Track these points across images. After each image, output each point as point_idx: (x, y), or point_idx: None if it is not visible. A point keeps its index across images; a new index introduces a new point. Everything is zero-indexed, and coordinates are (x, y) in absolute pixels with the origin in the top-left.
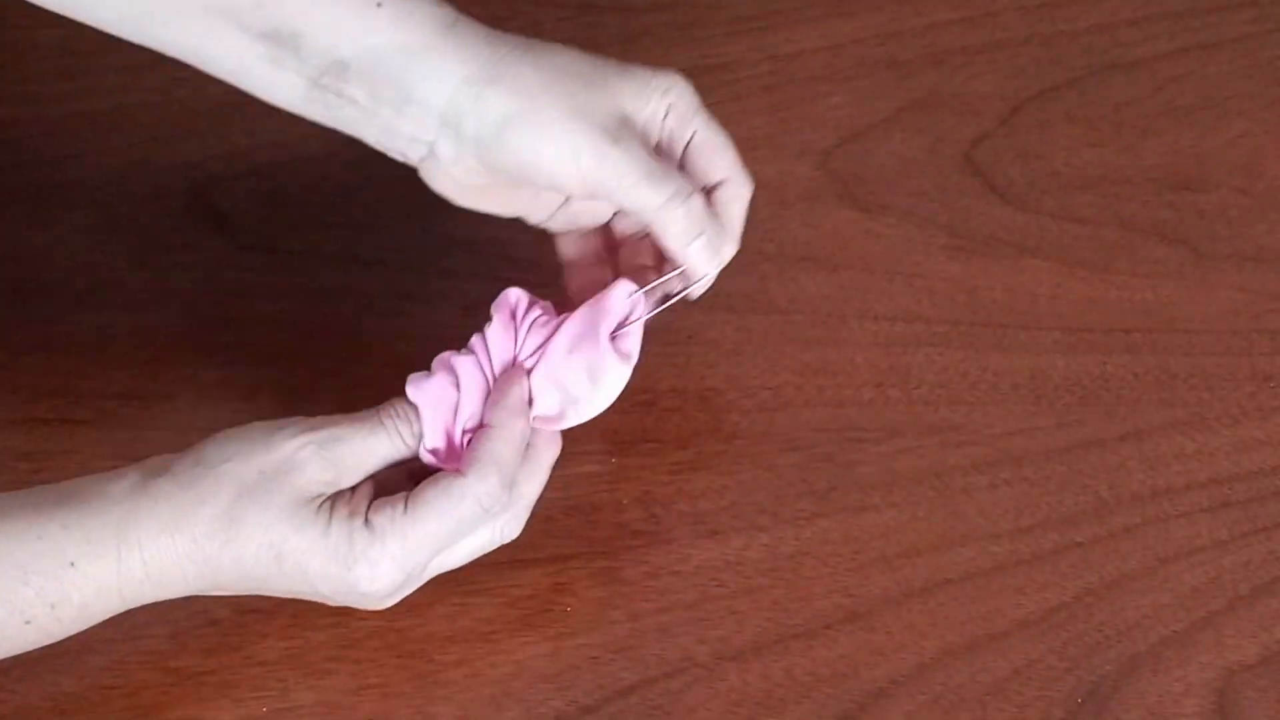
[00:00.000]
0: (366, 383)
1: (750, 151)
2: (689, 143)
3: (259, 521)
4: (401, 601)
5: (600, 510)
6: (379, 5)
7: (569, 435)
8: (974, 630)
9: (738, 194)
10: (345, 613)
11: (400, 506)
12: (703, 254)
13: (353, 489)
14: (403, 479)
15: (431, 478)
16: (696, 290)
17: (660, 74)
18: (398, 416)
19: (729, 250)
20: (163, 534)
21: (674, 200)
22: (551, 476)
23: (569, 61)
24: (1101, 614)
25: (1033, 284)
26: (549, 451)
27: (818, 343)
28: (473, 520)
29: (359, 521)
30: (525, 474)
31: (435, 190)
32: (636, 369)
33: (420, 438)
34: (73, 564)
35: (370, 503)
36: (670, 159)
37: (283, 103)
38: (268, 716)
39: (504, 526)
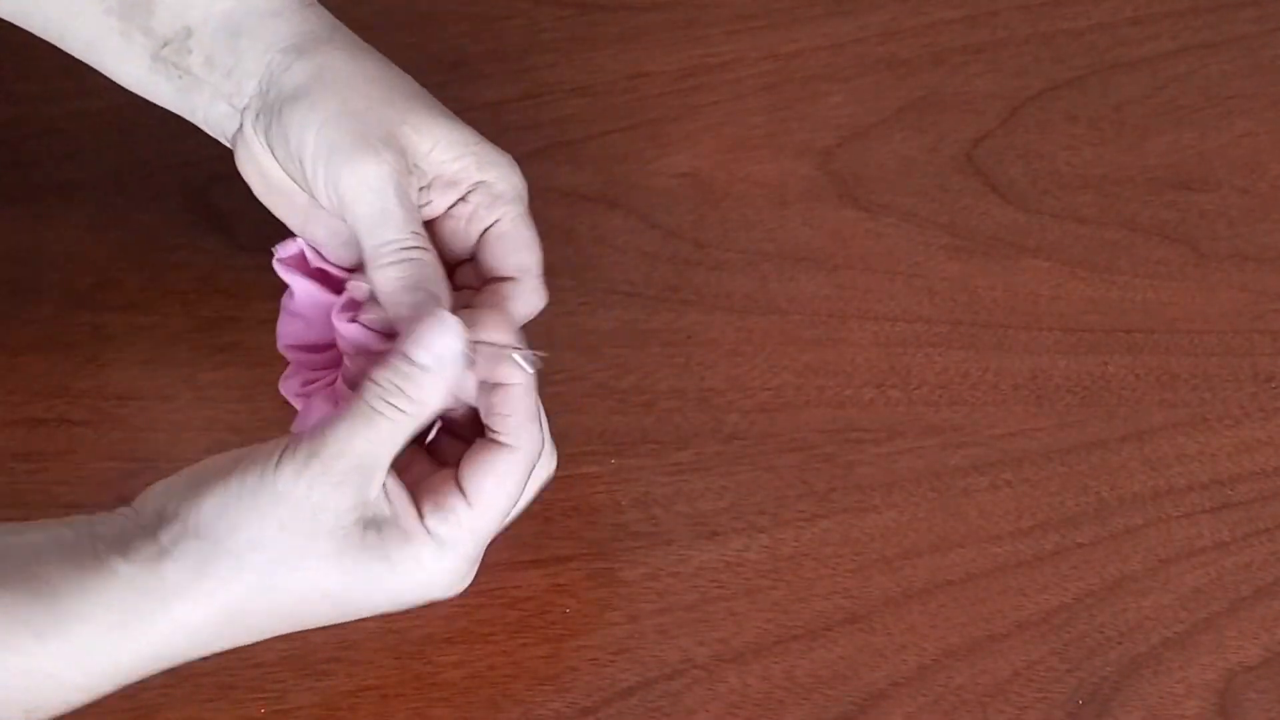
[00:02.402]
0: None
1: (750, 151)
2: (490, 228)
3: (304, 580)
4: None
5: (599, 511)
6: None
7: (569, 436)
8: (974, 631)
9: (523, 297)
10: None
11: (459, 508)
12: (421, 326)
13: (386, 495)
14: (417, 452)
15: (478, 460)
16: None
17: (492, 151)
18: (385, 392)
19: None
20: (176, 617)
21: (390, 249)
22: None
23: (392, 75)
24: (1102, 615)
25: (1033, 284)
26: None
27: (818, 343)
28: (525, 479)
29: (421, 540)
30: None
31: (244, 178)
32: (634, 368)
33: (417, 407)
34: (52, 677)
35: (413, 507)
36: (455, 236)
37: (128, 79)
38: (266, 718)
39: (543, 475)
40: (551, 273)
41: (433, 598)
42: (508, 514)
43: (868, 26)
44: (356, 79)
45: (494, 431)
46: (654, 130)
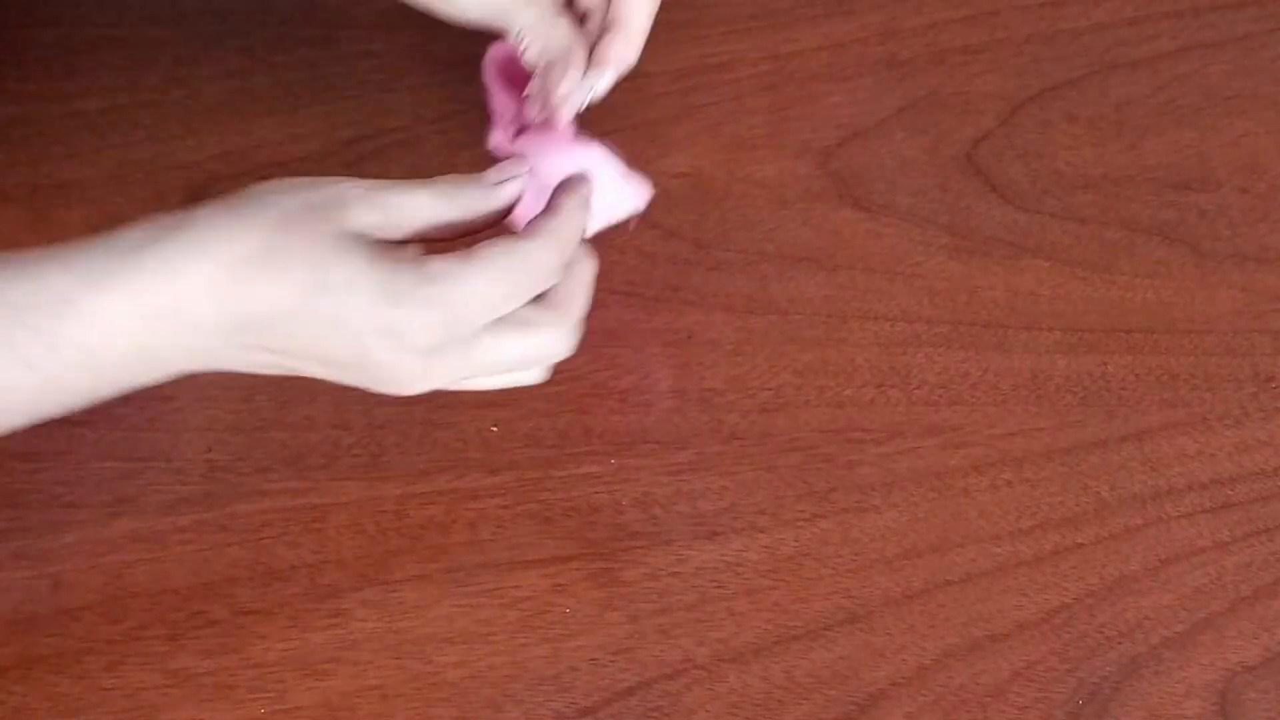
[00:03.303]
0: None
1: (750, 151)
2: None
3: (302, 247)
4: (400, 602)
5: (599, 511)
6: None
7: (569, 436)
8: (974, 631)
9: (614, 45)
10: (344, 612)
11: (455, 256)
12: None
13: (402, 242)
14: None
15: (490, 239)
16: (593, 89)
17: None
18: (447, 180)
19: (619, 52)
20: (192, 253)
21: (525, 33)
22: (550, 477)
23: None
24: (1102, 615)
25: (1033, 284)
26: (589, 264)
27: (818, 343)
28: (527, 287)
29: (408, 263)
30: (571, 288)
31: None
32: (635, 368)
33: (467, 200)
34: (69, 300)
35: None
36: None
37: None
38: (267, 718)
39: (555, 339)
40: None
41: (399, 331)
42: (494, 300)
43: (867, 27)
44: None
45: None
46: (654, 130)
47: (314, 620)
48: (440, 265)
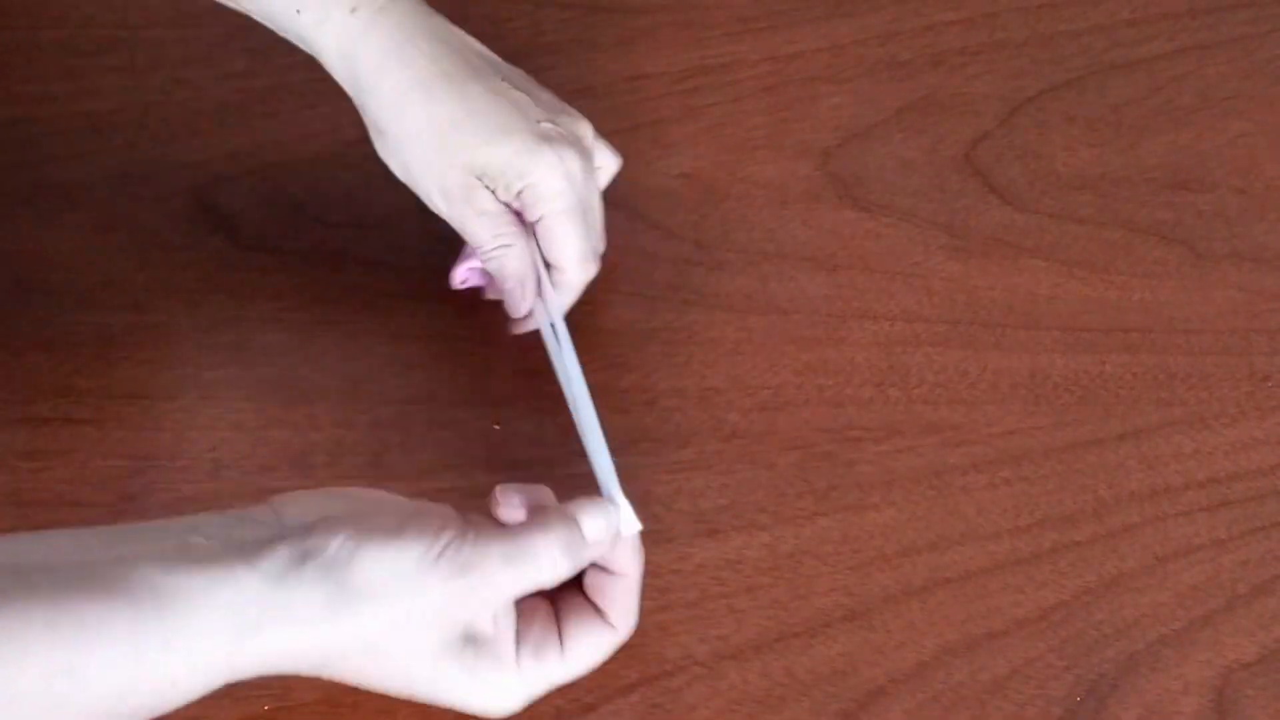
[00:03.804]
0: (367, 379)
1: (750, 152)
2: (537, 222)
3: (399, 662)
4: None
5: None
6: None
7: (570, 434)
8: (973, 629)
9: (560, 286)
10: None
11: (552, 659)
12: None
13: (494, 620)
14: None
15: (583, 623)
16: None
17: (531, 156)
18: (548, 544)
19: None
20: (287, 639)
21: (485, 249)
22: (552, 475)
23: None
24: (1100, 613)
25: (1032, 284)
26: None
27: (818, 343)
28: (613, 652)
29: (510, 670)
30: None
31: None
32: (635, 367)
33: (567, 569)
34: (174, 684)
35: (514, 638)
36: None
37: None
38: (270, 715)
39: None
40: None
41: (488, 713)
42: (582, 674)
43: (867, 28)
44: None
45: (599, 610)
46: (655, 131)
47: None
48: (536, 666)
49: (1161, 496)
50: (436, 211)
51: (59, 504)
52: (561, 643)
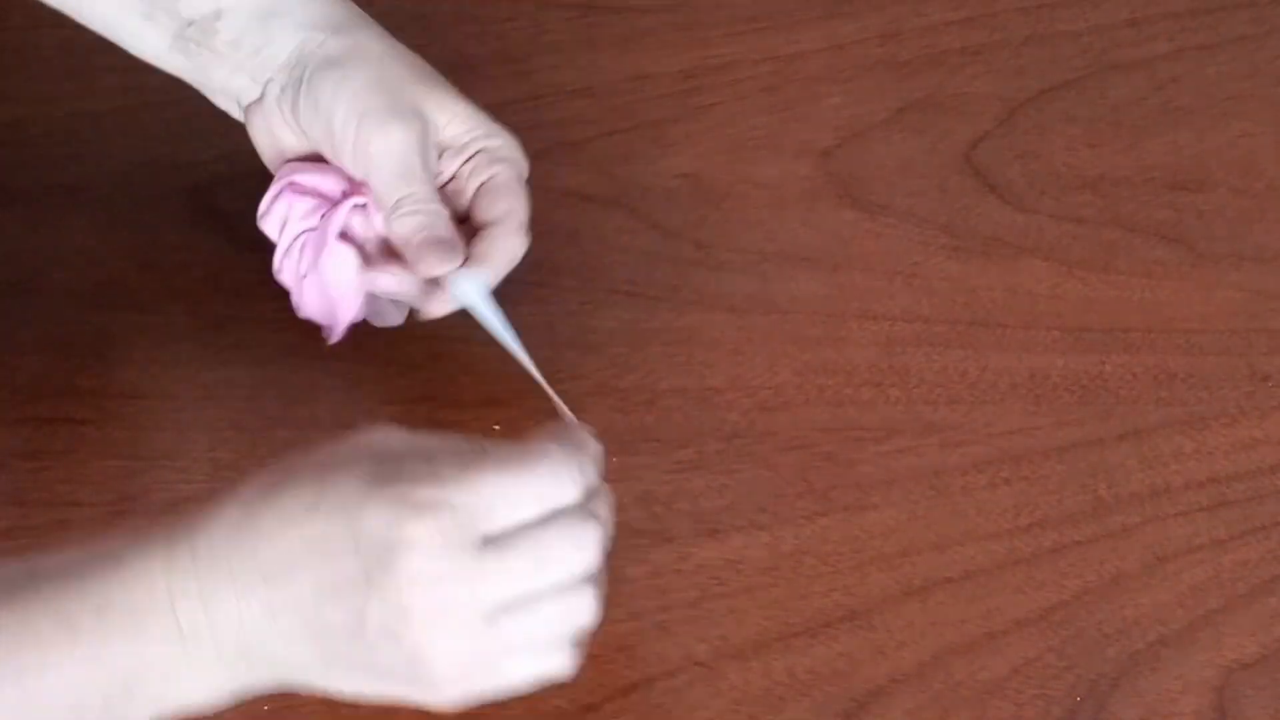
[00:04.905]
0: (368, 380)
1: (750, 152)
2: (485, 182)
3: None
4: None
5: None
6: None
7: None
8: (973, 629)
9: (505, 239)
10: None
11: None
12: (424, 258)
13: None
14: None
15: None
16: (431, 307)
17: (499, 127)
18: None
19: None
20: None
21: (410, 201)
22: None
23: (416, 59)
24: (1100, 613)
25: (1032, 284)
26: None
27: (818, 343)
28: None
29: None
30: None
31: (253, 141)
32: (635, 367)
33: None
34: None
35: None
36: (456, 196)
37: (148, 54)
38: (269, 714)
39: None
40: (553, 272)
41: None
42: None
43: (867, 28)
44: (386, 57)
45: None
46: (655, 131)
47: None
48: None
49: (1161, 496)
50: (335, 158)
51: (59, 504)
52: None
